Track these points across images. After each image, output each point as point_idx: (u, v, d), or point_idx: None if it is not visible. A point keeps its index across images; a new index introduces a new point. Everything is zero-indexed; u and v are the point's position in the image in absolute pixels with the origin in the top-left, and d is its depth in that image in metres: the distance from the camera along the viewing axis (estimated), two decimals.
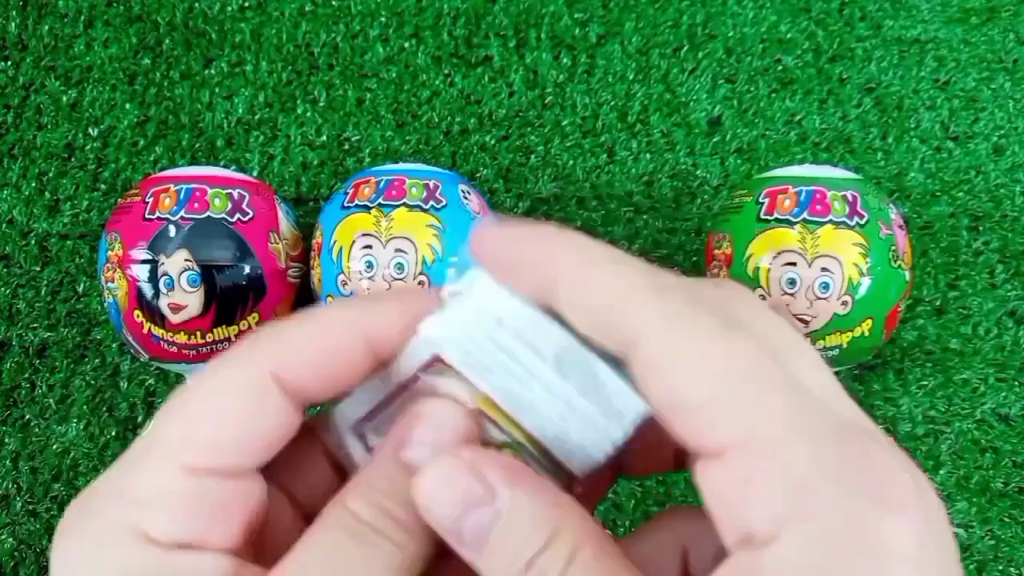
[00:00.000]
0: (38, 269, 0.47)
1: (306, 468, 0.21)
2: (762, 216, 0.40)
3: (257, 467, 0.18)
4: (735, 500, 0.15)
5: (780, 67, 0.52)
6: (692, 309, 0.16)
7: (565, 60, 0.52)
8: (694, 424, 0.16)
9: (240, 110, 0.51)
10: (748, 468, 0.15)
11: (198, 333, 0.39)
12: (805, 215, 0.39)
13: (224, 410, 0.18)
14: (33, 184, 0.49)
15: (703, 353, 0.16)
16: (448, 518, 0.17)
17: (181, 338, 0.39)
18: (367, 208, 0.40)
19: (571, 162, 0.50)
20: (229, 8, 0.52)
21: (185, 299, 0.39)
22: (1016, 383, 0.47)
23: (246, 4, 0.53)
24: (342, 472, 0.21)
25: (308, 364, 0.18)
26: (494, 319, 0.19)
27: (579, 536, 0.17)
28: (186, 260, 0.38)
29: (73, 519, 0.17)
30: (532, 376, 0.19)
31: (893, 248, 0.39)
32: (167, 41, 0.52)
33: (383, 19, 0.53)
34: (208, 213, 0.39)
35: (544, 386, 0.19)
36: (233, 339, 0.40)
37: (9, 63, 0.51)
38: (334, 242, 0.40)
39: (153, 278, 0.38)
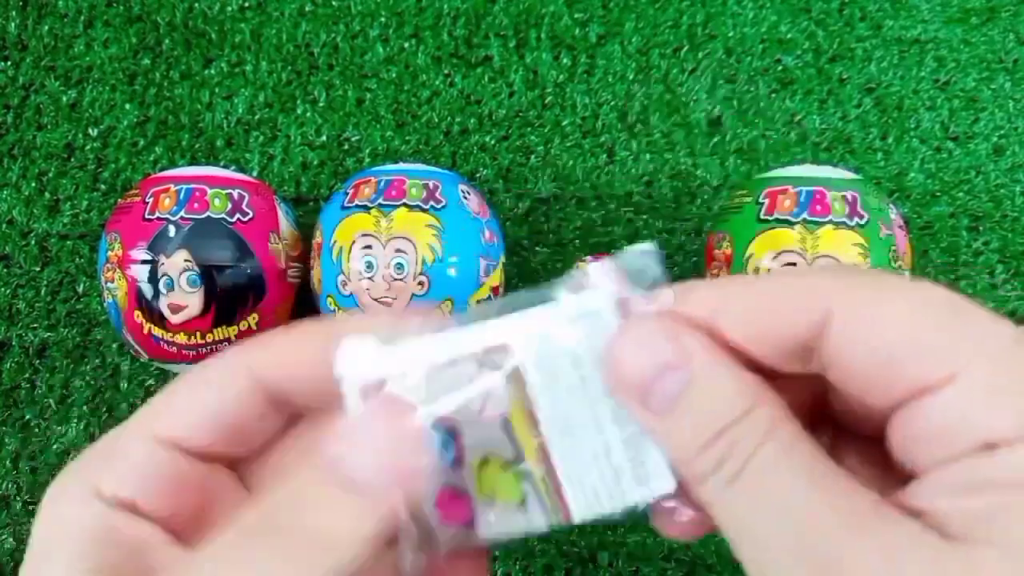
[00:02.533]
0: (38, 269, 0.47)
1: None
2: (762, 216, 0.40)
3: (227, 453, 0.19)
4: (974, 413, 0.15)
5: (780, 67, 0.52)
6: (875, 277, 0.17)
7: (565, 60, 0.52)
8: (917, 364, 0.16)
9: (240, 110, 0.51)
10: (986, 381, 0.15)
11: (198, 333, 0.39)
12: (805, 215, 0.39)
13: (196, 391, 0.19)
14: (33, 184, 0.49)
15: (905, 300, 0.16)
16: (637, 379, 0.17)
17: (181, 338, 0.39)
18: (367, 208, 0.40)
19: (571, 162, 0.50)
20: (229, 8, 0.52)
21: (185, 299, 0.39)
22: None
23: (246, 4, 0.53)
24: None
25: (282, 360, 0.19)
26: (575, 342, 0.18)
27: (779, 415, 0.16)
28: (186, 260, 0.38)
29: (55, 484, 0.18)
30: (592, 405, 0.18)
31: (893, 248, 0.39)
32: (167, 41, 0.52)
33: (383, 19, 0.53)
34: (208, 213, 0.39)
35: (597, 419, 0.18)
36: (233, 339, 0.40)
37: (9, 63, 0.51)
38: (334, 242, 0.40)
39: (153, 278, 0.38)
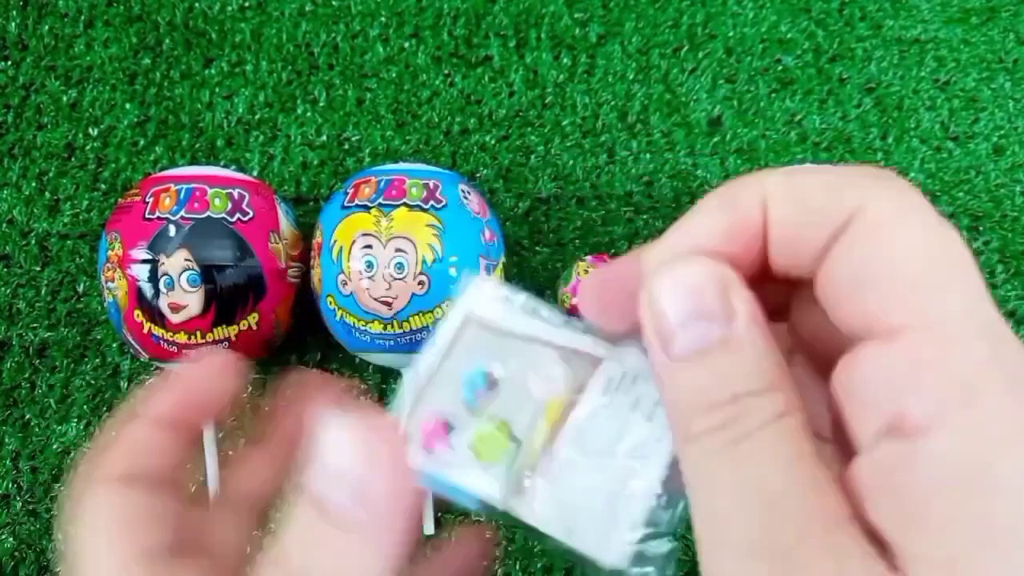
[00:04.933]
0: (38, 269, 0.47)
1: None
2: None
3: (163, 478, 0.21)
4: (897, 383, 0.14)
5: (780, 67, 0.52)
6: (911, 193, 0.15)
7: (565, 60, 0.52)
8: (882, 299, 0.14)
9: (240, 110, 0.51)
10: (922, 351, 0.14)
11: (198, 333, 0.39)
12: None
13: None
14: (33, 184, 0.49)
15: (924, 229, 0.15)
16: (672, 318, 0.16)
17: (181, 338, 0.39)
18: (367, 208, 0.40)
19: (571, 162, 0.50)
20: (229, 8, 0.52)
21: (185, 299, 0.39)
22: None
23: (246, 4, 0.53)
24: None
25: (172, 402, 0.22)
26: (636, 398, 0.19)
27: (794, 403, 0.15)
28: (186, 260, 0.38)
29: (81, 482, 0.20)
30: (613, 453, 0.19)
31: None
32: (167, 41, 0.52)
33: (383, 19, 0.53)
34: (208, 213, 0.39)
35: (611, 464, 0.19)
36: (233, 339, 0.40)
37: (9, 63, 0.51)
38: (334, 242, 0.40)
39: (153, 278, 0.38)
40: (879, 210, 0.15)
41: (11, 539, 0.43)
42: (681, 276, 0.16)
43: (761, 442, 0.15)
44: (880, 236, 0.15)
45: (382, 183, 0.40)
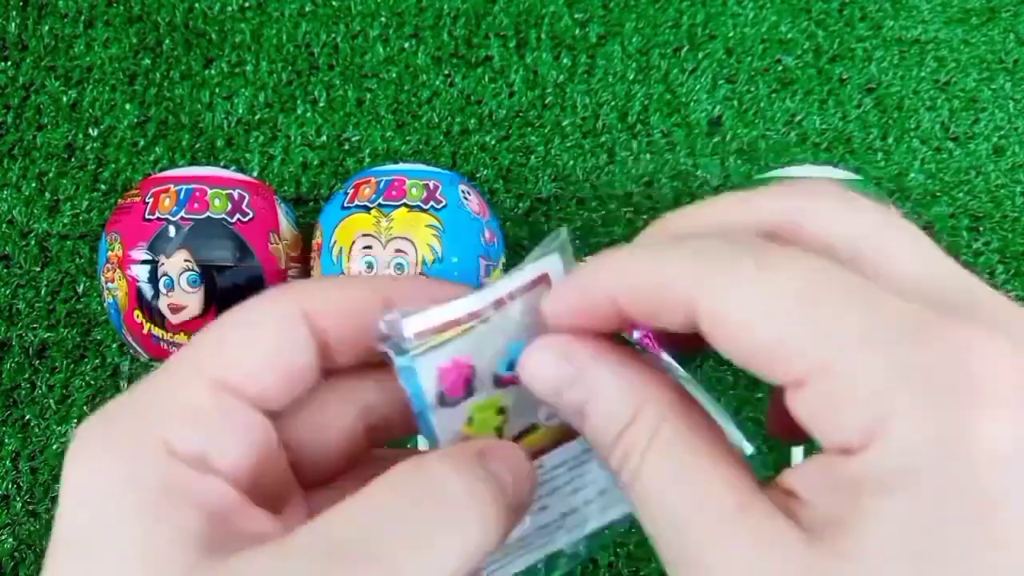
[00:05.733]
0: (38, 269, 0.47)
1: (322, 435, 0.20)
2: None
3: (276, 405, 0.18)
4: (824, 423, 0.15)
5: (780, 67, 0.52)
6: (727, 255, 0.16)
7: (565, 60, 0.52)
8: (770, 365, 0.15)
9: (240, 110, 0.51)
10: (829, 391, 0.15)
11: None
12: None
13: (253, 333, 0.18)
14: (33, 184, 0.49)
15: (749, 296, 0.15)
16: (549, 395, 0.18)
17: (181, 339, 0.39)
18: (367, 208, 0.40)
19: (571, 162, 0.50)
20: (229, 8, 0.52)
21: (185, 299, 0.39)
22: None
23: (246, 4, 0.53)
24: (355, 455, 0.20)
25: (333, 306, 0.18)
26: None
27: (662, 411, 0.17)
28: (186, 260, 0.38)
29: (91, 432, 0.16)
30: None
31: None
32: (167, 41, 0.52)
33: (383, 19, 0.53)
34: (208, 213, 0.39)
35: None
36: None
37: (9, 63, 0.51)
38: (334, 242, 0.40)
39: (153, 278, 0.38)
40: (712, 296, 0.16)
41: (11, 539, 0.43)
42: (534, 356, 0.18)
43: (652, 466, 0.17)
44: (722, 319, 0.16)
45: (382, 184, 0.40)
